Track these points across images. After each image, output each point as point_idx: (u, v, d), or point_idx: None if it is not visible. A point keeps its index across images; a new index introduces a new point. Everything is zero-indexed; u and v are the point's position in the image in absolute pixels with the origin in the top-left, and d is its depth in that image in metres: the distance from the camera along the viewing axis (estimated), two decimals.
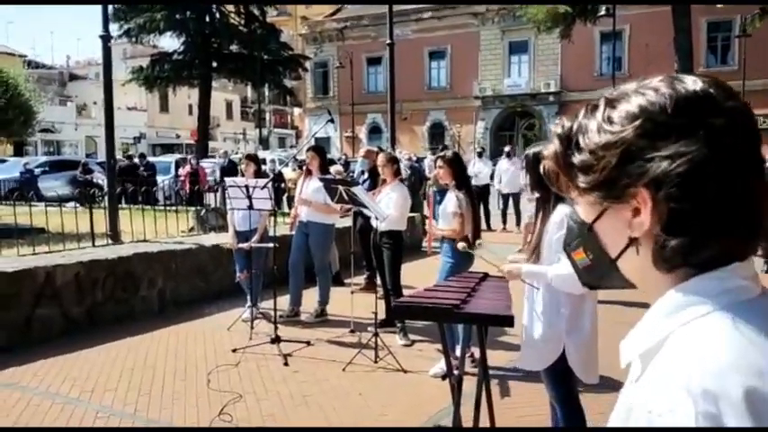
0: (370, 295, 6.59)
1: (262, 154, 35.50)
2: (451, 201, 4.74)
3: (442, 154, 5.06)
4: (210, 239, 7.61)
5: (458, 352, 4.45)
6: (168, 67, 33.98)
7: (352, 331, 5.80)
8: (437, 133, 40.76)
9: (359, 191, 5.35)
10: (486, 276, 3.64)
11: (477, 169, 13.94)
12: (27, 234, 7.14)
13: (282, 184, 13.79)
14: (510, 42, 38.43)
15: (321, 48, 42.85)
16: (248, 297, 6.51)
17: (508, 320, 2.85)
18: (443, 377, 4.34)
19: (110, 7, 32.44)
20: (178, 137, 54.54)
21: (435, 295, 3.23)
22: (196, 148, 35.70)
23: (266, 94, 65.93)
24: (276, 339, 5.31)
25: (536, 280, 2.91)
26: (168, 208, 9.98)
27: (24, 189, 13.56)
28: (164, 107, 55.32)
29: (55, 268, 5.76)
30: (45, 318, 5.68)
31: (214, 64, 34.89)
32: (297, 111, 50.92)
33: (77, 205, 9.02)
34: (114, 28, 33.38)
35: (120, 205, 9.05)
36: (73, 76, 56.61)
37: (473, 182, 7.18)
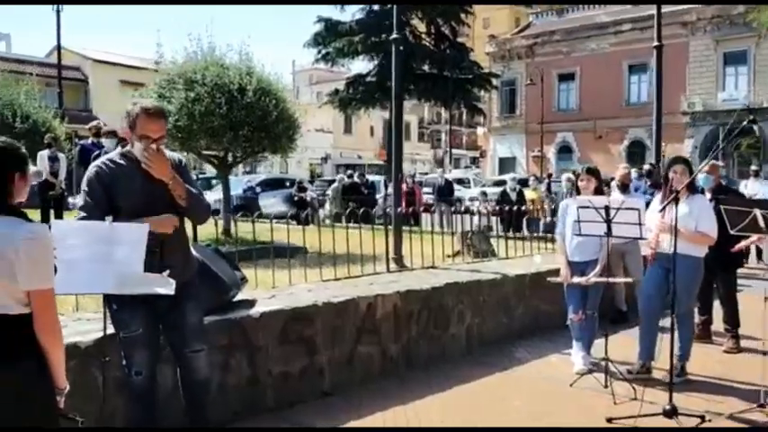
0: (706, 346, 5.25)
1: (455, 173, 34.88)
2: None
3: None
4: (512, 268, 6.60)
5: None
6: (362, 89, 34.53)
7: (761, 405, 4.39)
8: (636, 152, 37.68)
9: None
10: None
11: (753, 190, 11.90)
12: (284, 253, 6.39)
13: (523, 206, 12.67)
14: (725, 53, 34.71)
15: (509, 65, 41.59)
16: (577, 343, 5.39)
17: None
18: None
19: (310, 34, 33.56)
20: (360, 157, 55.96)
21: None
22: (386, 168, 35.90)
23: (442, 114, 66.00)
24: (672, 412, 4.07)
25: None
26: (422, 230, 9.21)
27: (247, 206, 13.74)
28: (347, 129, 57.21)
29: (375, 299, 5.01)
30: (365, 356, 4.94)
31: (405, 85, 35.00)
32: (480, 130, 49.92)
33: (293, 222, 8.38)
34: (312, 52, 34.77)
35: (338, 224, 8.29)
36: None
37: None
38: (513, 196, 11.71)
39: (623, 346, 5.55)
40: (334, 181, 23.17)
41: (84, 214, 3.01)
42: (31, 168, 2.35)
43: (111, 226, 2.77)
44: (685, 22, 35.37)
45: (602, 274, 5.12)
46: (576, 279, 5.16)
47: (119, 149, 3.29)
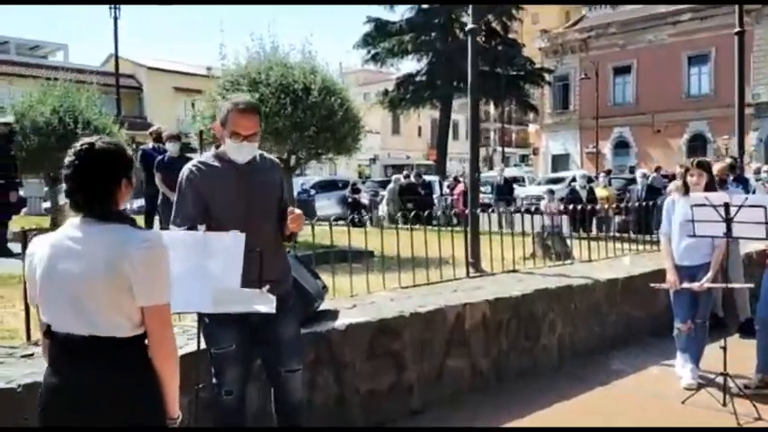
0: None
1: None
2: None
3: None
4: (600, 271, 6.13)
5: None
6: (412, 89, 34.22)
7: None
8: (697, 146, 36.28)
9: None
10: None
11: None
12: (347, 257, 5.94)
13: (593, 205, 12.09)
14: None
15: (562, 60, 40.59)
16: (683, 355, 4.92)
17: None
18: None
19: (359, 35, 33.36)
20: (408, 158, 55.64)
21: None
22: (436, 168, 35.46)
23: (491, 112, 65.16)
24: None
25: None
26: (490, 231, 8.76)
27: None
28: (395, 130, 57.04)
29: (464, 308, 4.64)
30: (455, 370, 4.58)
31: (455, 83, 34.51)
32: (532, 127, 48.94)
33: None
34: (362, 53, 34.61)
35: (398, 226, 7.71)
36: None
37: None
38: (584, 194, 11.14)
39: (733, 357, 5.04)
40: (385, 182, 22.87)
41: (175, 222, 2.75)
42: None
43: (204, 236, 2.48)
44: (748, 10, 33.78)
45: (715, 279, 4.64)
46: (688, 285, 4.68)
47: (213, 150, 3.02)
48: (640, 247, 7.83)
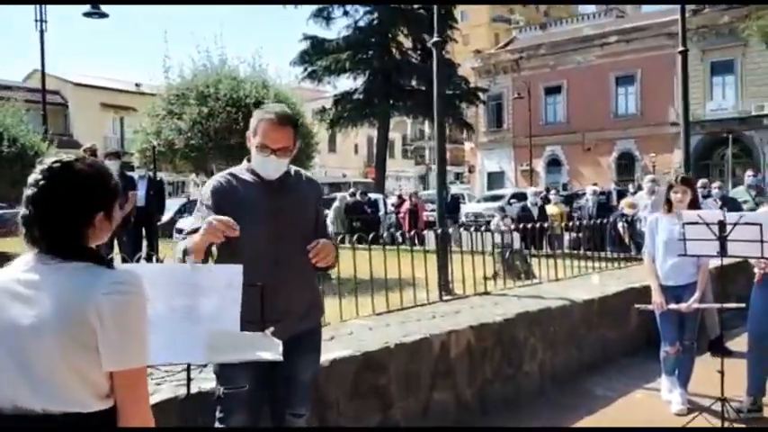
0: None
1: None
2: None
3: None
4: (574, 291, 5.95)
5: None
6: (350, 107, 34.02)
7: None
8: (625, 164, 37.65)
9: None
10: None
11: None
12: None
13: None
14: (712, 62, 34.81)
15: (495, 80, 41.36)
16: (669, 378, 4.77)
17: None
18: None
19: (298, 51, 32.91)
20: (345, 176, 55.39)
21: None
22: (375, 186, 35.29)
23: (425, 131, 65.82)
24: None
25: None
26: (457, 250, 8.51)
27: None
28: (332, 148, 56.78)
29: (449, 335, 4.33)
30: (440, 404, 4.24)
31: (392, 102, 34.56)
32: (467, 146, 49.61)
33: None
34: (299, 71, 34.17)
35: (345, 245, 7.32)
36: None
37: None
38: (535, 212, 11.09)
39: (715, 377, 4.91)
40: (326, 200, 22.47)
41: (185, 248, 2.28)
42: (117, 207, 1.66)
43: (194, 269, 2.07)
44: (671, 33, 35.40)
45: (702, 299, 4.51)
46: (675, 306, 4.52)
47: (245, 164, 2.61)
48: (602, 264, 7.76)
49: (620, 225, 9.32)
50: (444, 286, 6.00)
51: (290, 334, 2.35)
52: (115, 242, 8.63)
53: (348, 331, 4.31)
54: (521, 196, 26.26)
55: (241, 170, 2.59)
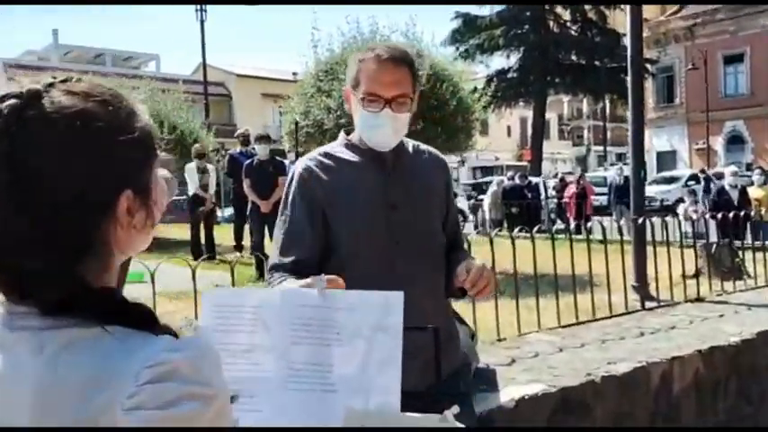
0: None
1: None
2: None
3: None
4: None
5: None
6: (504, 86, 32.52)
7: None
8: None
9: None
10: None
11: None
12: None
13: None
14: None
15: (665, 50, 37.69)
16: None
17: None
18: None
19: (448, 30, 32.11)
20: (497, 159, 53.87)
21: None
22: (531, 169, 33.61)
23: (583, 110, 62.32)
24: None
25: None
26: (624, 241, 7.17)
27: None
28: (483, 130, 55.38)
29: (671, 363, 3.22)
30: None
31: (548, 79, 32.62)
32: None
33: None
34: (450, 51, 33.21)
35: (501, 233, 6.04)
36: None
37: None
38: (735, 195, 9.33)
39: None
40: (477, 185, 21.44)
41: (276, 262, 1.58)
42: (162, 173, 0.80)
43: (325, 296, 1.23)
44: None
45: None
46: None
47: (341, 137, 1.77)
48: None
49: None
50: (639, 289, 4.84)
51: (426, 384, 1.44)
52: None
53: (531, 352, 3.35)
54: (697, 178, 23.51)
55: (335, 147, 1.74)
